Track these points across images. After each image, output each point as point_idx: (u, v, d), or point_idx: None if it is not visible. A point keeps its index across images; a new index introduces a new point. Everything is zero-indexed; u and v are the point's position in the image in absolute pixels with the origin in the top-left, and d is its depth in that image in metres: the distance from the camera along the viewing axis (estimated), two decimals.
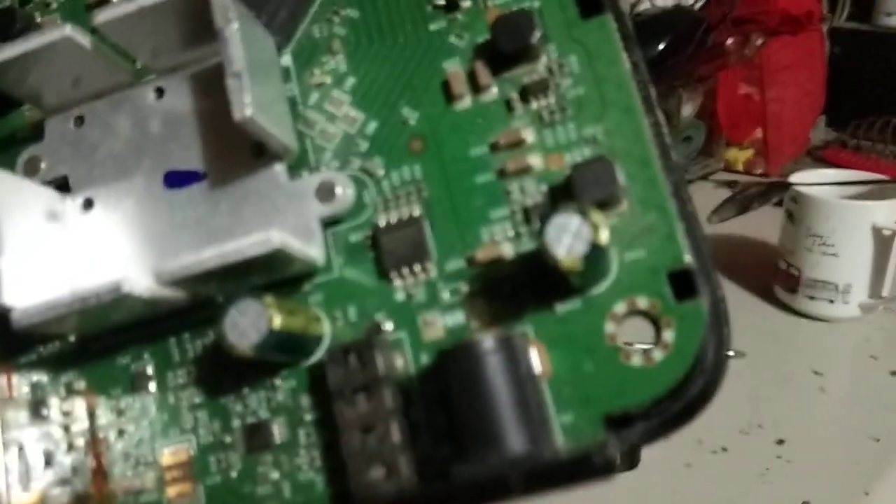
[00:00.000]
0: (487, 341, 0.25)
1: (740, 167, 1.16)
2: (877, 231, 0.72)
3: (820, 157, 1.16)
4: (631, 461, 0.61)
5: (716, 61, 1.04)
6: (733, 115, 1.11)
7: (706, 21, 1.07)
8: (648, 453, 0.61)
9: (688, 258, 0.28)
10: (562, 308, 0.28)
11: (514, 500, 0.23)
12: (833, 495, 0.57)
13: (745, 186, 1.04)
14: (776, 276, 0.79)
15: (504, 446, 0.24)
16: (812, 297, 0.75)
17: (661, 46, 0.92)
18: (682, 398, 0.28)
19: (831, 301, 0.75)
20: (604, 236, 0.24)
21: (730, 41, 1.07)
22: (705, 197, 1.02)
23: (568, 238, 0.25)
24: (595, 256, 0.25)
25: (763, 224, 0.91)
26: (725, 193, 1.02)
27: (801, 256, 0.76)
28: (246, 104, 0.27)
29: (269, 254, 0.26)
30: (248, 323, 0.26)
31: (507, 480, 0.22)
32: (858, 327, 0.76)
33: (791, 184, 0.80)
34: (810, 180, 0.81)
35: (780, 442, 0.62)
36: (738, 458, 0.60)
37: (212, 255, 0.26)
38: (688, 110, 1.09)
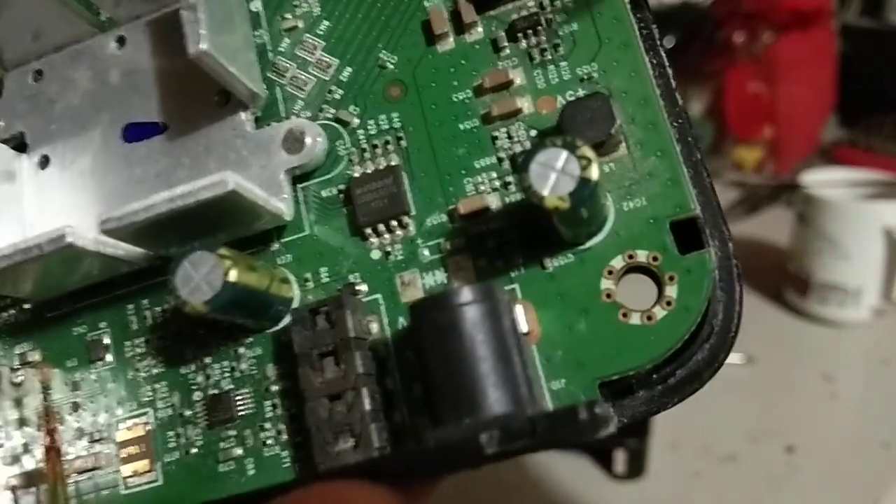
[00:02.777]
0: (464, 291, 0.22)
1: (749, 167, 1.13)
2: (889, 233, 0.69)
3: (831, 157, 1.12)
4: (637, 469, 0.58)
5: (724, 58, 1.02)
6: (742, 113, 1.08)
7: (714, 17, 1.04)
8: (655, 461, 0.58)
9: (694, 206, 0.25)
10: (552, 263, 0.25)
11: (487, 466, 0.20)
12: None
13: (754, 187, 1.01)
14: (786, 279, 0.77)
15: (482, 406, 0.21)
16: (822, 301, 0.73)
17: (669, 44, 0.90)
18: (687, 362, 0.25)
19: (842, 305, 0.72)
20: (594, 171, 0.22)
21: (738, 37, 1.04)
22: None
23: (554, 174, 0.22)
24: (584, 195, 0.22)
25: (772, 226, 0.88)
26: (734, 194, 0.99)
27: (812, 259, 0.73)
28: (201, 36, 0.24)
29: (223, 197, 0.23)
30: (202, 276, 0.23)
31: (478, 446, 0.19)
32: (869, 331, 0.73)
33: (801, 185, 0.77)
34: (821, 180, 0.79)
35: (790, 449, 0.59)
36: (746, 466, 0.58)
37: (160, 198, 0.23)
38: (696, 108, 1.06)
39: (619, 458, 0.56)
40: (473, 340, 0.22)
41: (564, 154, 0.22)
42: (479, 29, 0.28)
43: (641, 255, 0.25)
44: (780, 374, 0.67)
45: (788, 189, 0.92)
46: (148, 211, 0.24)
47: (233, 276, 0.23)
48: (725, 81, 1.07)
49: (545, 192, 0.22)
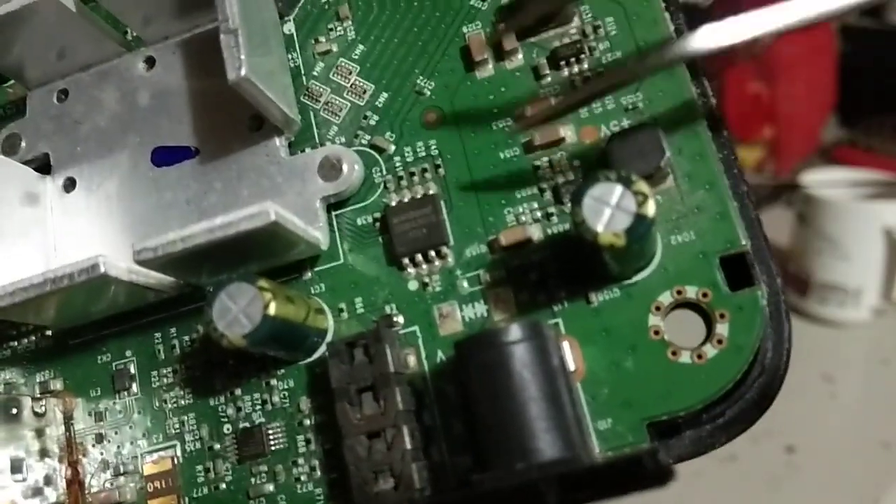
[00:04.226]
0: (513, 329, 0.22)
1: (749, 167, 1.12)
2: (889, 233, 0.69)
3: (831, 157, 1.12)
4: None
5: (724, 58, 1.00)
6: (742, 112, 1.07)
7: (714, 17, 1.03)
8: None
9: (744, 241, 0.24)
10: (597, 298, 0.25)
11: None
12: None
13: (754, 187, 1.00)
14: (786, 280, 0.76)
15: (533, 450, 0.20)
16: (822, 301, 0.73)
17: None
18: (737, 401, 0.24)
19: (842, 305, 0.72)
20: (651, 207, 0.21)
21: None
22: None
23: (608, 210, 0.21)
24: (640, 232, 0.21)
25: (772, 226, 0.86)
26: None
27: (812, 259, 0.73)
28: (242, 62, 0.24)
29: (264, 229, 0.23)
30: (240, 309, 0.23)
31: (538, 490, 0.18)
32: (869, 331, 0.73)
33: (801, 185, 0.77)
34: (821, 180, 0.78)
35: (790, 449, 0.59)
36: (747, 466, 0.58)
37: (199, 229, 0.23)
38: None
39: None
40: (523, 380, 0.21)
41: (619, 189, 0.21)
42: (520, 56, 0.27)
43: (691, 291, 0.24)
44: None
45: (788, 189, 0.91)
46: (185, 242, 0.23)
47: (272, 309, 0.23)
48: (725, 81, 1.06)
49: (599, 229, 0.21)
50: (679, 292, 0.24)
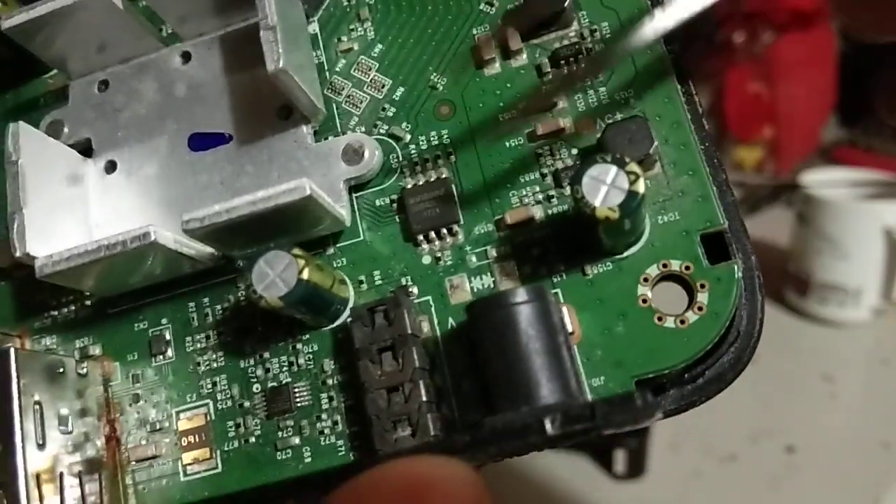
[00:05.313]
0: (520, 291, 0.25)
1: (749, 167, 1.13)
2: (889, 233, 0.71)
3: (831, 157, 1.11)
4: (637, 469, 0.60)
5: (724, 58, 1.02)
6: (742, 112, 1.07)
7: (714, 17, 1.04)
8: (655, 461, 0.60)
9: (722, 220, 0.27)
10: (592, 271, 0.28)
11: (541, 450, 0.22)
12: None
13: (754, 187, 1.02)
14: (786, 279, 0.78)
15: (537, 396, 0.23)
16: (822, 301, 0.74)
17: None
18: (714, 363, 0.27)
19: (842, 305, 0.73)
20: (641, 185, 0.24)
21: (738, 37, 1.04)
22: None
23: (604, 188, 0.24)
24: (631, 206, 0.24)
25: (772, 226, 0.89)
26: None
27: (812, 259, 0.74)
28: (280, 55, 0.27)
29: (300, 202, 0.26)
30: (277, 274, 0.26)
31: (541, 426, 0.21)
32: (869, 331, 0.74)
33: (801, 185, 0.79)
34: (821, 180, 0.79)
35: (790, 449, 0.60)
36: (747, 466, 0.59)
37: (242, 202, 0.26)
38: None
39: (619, 458, 0.57)
40: (528, 336, 0.24)
41: (614, 169, 0.24)
42: (524, 55, 0.31)
43: (675, 265, 0.27)
44: (780, 375, 0.68)
45: (788, 189, 0.92)
46: (230, 213, 0.26)
47: (306, 273, 0.26)
48: (725, 81, 1.07)
49: (596, 203, 0.24)
50: (664, 265, 0.27)
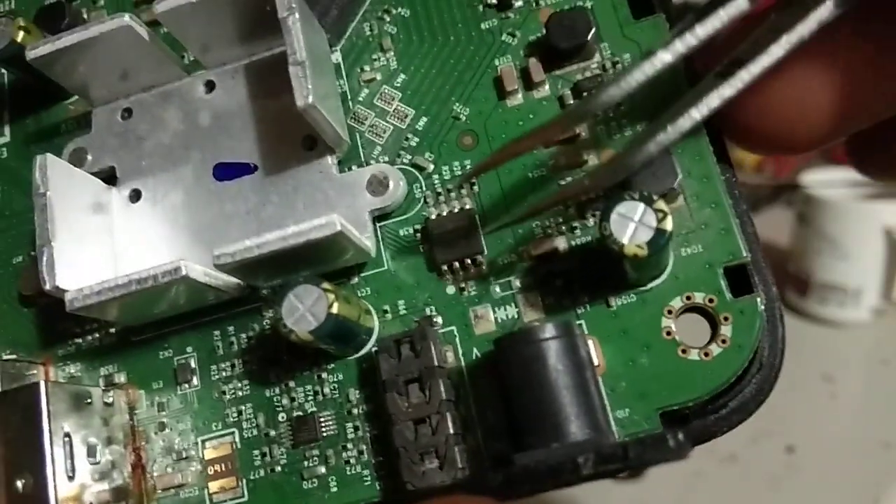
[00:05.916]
0: (548, 326, 0.25)
1: (749, 167, 1.13)
2: (889, 233, 0.71)
3: (831, 157, 1.13)
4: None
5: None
6: None
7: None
8: None
9: (745, 253, 0.28)
10: (616, 302, 0.28)
11: (572, 486, 0.22)
12: None
13: (754, 187, 1.02)
14: (786, 280, 0.78)
15: (567, 433, 0.24)
16: (822, 301, 0.73)
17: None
18: (738, 394, 0.28)
19: (842, 305, 0.73)
20: (669, 223, 0.24)
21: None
22: None
23: (632, 225, 0.25)
24: (659, 244, 0.24)
25: (772, 226, 0.87)
26: None
27: (812, 259, 0.74)
28: (309, 91, 0.27)
29: (331, 237, 0.26)
30: (307, 308, 0.26)
31: (575, 466, 0.22)
32: (869, 331, 0.74)
33: (801, 185, 0.79)
34: (821, 180, 0.79)
35: (790, 449, 0.61)
36: (747, 467, 0.59)
37: (273, 237, 0.26)
38: None
39: None
40: (557, 371, 0.25)
41: (642, 207, 0.25)
42: (546, 87, 0.31)
43: (698, 297, 0.28)
44: (781, 374, 0.68)
45: (788, 189, 0.92)
46: (261, 248, 0.26)
47: (336, 308, 0.26)
48: None
49: (625, 241, 0.25)
50: (688, 298, 0.28)
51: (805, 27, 0.26)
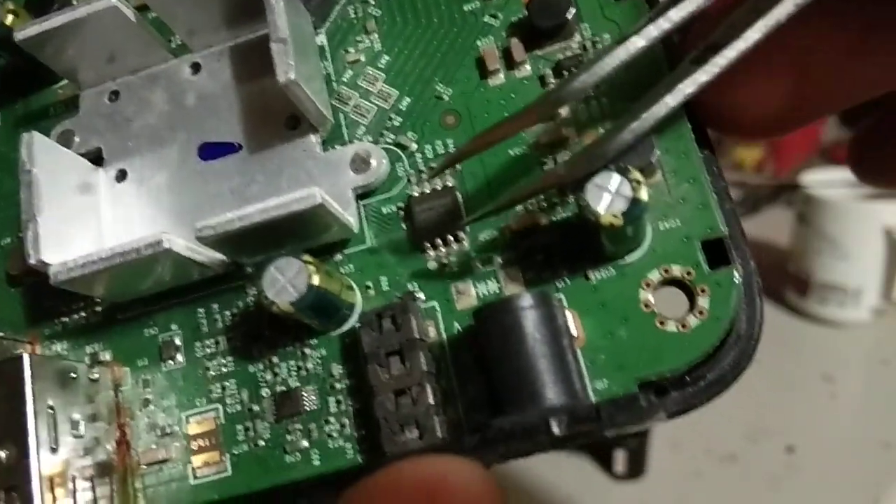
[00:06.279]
0: (525, 296, 0.25)
1: (749, 167, 1.13)
2: (889, 233, 0.71)
3: (831, 157, 1.10)
4: (637, 469, 0.60)
5: None
6: None
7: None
8: (656, 462, 0.60)
9: (723, 227, 0.28)
10: (595, 276, 0.28)
11: (547, 451, 0.23)
12: None
13: (754, 187, 1.01)
14: (786, 279, 0.78)
15: (544, 397, 0.24)
16: (822, 301, 0.73)
17: None
18: (715, 366, 0.28)
19: (842, 305, 0.73)
20: (644, 193, 0.25)
21: None
22: None
23: (608, 195, 0.25)
24: (635, 214, 0.25)
25: (772, 226, 0.88)
26: (734, 194, 0.99)
27: (812, 259, 0.74)
28: (290, 66, 0.27)
29: (311, 210, 0.26)
30: (288, 280, 0.26)
31: (548, 427, 0.22)
32: (869, 331, 0.74)
33: (801, 185, 0.79)
34: (821, 180, 0.79)
35: (790, 449, 0.61)
36: (746, 466, 0.59)
37: (256, 209, 0.26)
38: None
39: (619, 458, 0.57)
40: (535, 340, 0.25)
41: (618, 177, 0.25)
42: (528, 66, 0.31)
43: (676, 270, 0.28)
44: (780, 375, 0.67)
45: (788, 189, 0.92)
46: (242, 221, 0.26)
47: (316, 280, 0.26)
48: None
49: (601, 210, 0.25)
50: (666, 271, 0.28)
51: (782, 9, 0.26)
